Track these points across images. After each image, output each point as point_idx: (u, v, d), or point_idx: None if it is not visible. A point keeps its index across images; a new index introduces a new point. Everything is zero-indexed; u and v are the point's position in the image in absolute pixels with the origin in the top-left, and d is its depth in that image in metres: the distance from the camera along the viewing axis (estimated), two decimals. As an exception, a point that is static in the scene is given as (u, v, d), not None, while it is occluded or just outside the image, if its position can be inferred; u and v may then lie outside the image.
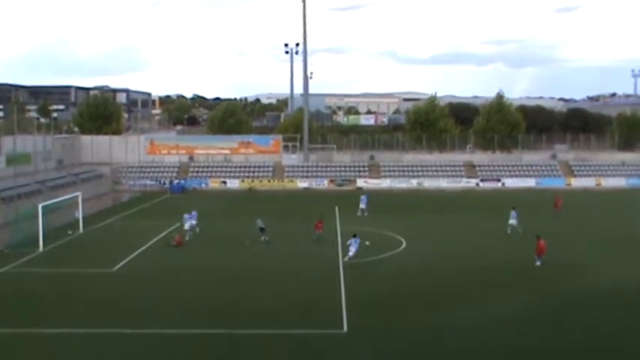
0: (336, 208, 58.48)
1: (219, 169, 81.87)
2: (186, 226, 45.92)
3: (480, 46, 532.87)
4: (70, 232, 46.84)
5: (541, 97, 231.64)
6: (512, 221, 46.37)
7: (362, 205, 55.97)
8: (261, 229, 43.82)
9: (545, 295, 30.49)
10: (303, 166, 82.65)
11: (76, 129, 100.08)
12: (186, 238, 44.16)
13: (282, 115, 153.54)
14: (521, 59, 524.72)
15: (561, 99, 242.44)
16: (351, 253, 37.55)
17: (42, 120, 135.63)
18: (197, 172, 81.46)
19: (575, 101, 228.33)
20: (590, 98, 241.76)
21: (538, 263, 36.79)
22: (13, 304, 29.62)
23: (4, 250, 40.82)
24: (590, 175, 79.84)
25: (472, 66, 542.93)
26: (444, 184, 78.64)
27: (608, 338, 24.84)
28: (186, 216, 46.89)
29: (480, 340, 24.55)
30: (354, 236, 38.49)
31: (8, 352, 23.66)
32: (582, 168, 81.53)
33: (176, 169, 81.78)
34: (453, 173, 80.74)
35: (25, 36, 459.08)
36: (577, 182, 78.71)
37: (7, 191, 52.24)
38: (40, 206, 42.25)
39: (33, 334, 25.49)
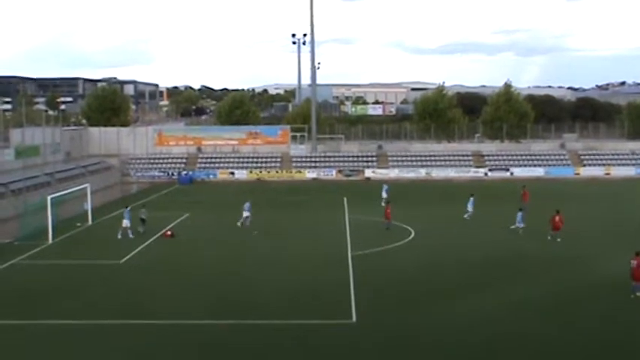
0: (344, 199, 58.45)
1: (227, 159, 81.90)
2: (245, 213, 46.03)
3: (489, 35, 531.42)
4: (79, 224, 46.93)
5: (550, 87, 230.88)
6: (470, 207, 47.77)
7: (384, 195, 55.17)
8: (142, 220, 43.72)
9: (552, 286, 30.37)
10: (311, 157, 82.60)
11: (84, 121, 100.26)
12: (239, 225, 45.20)
13: (290, 105, 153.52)
14: (531, 48, 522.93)
15: (570, 88, 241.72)
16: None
17: (50, 112, 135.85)
18: (205, 163, 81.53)
19: (584, 90, 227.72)
20: (600, 87, 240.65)
21: (558, 239, 38.41)
22: (23, 296, 29.69)
23: (14, 242, 40.97)
24: (599, 165, 79.54)
25: (481, 55, 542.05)
26: (452, 173, 78.47)
27: (613, 330, 24.76)
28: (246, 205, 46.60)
29: (489, 330, 24.50)
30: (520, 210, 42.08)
31: (18, 344, 23.75)
32: (591, 157, 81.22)
33: (184, 161, 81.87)
34: (462, 163, 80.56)
35: (32, 28, 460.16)
36: (586, 171, 78.42)
37: (16, 183, 52.42)
38: (49, 198, 42.37)
39: (42, 325, 25.57)
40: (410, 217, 47.17)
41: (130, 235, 42.00)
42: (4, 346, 23.49)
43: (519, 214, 42.26)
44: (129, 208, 44.02)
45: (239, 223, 45.51)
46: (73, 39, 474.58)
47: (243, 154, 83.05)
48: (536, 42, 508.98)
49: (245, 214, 45.95)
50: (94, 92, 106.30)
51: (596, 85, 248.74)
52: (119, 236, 42.03)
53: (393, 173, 78.52)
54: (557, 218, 39.37)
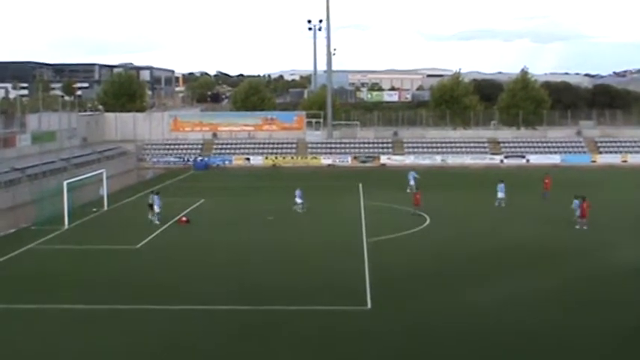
0: (360, 185, 58.36)
1: (242, 145, 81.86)
2: (298, 200, 46.30)
3: (506, 22, 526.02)
4: (94, 209, 47.14)
5: (567, 73, 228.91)
6: (501, 194, 47.10)
7: (411, 182, 54.96)
8: (151, 206, 43.30)
9: (573, 274, 30.22)
10: (326, 143, 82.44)
11: (100, 106, 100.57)
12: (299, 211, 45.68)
13: (306, 91, 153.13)
14: (548, 35, 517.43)
15: (587, 75, 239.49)
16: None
17: (66, 98, 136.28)
18: (221, 149, 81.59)
19: (601, 77, 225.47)
20: (617, 74, 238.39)
21: (584, 227, 38.40)
22: (39, 281, 29.91)
23: (31, 227, 41.24)
24: (616, 152, 78.80)
25: (497, 42, 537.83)
26: (467, 160, 78.17)
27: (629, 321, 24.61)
28: (297, 192, 46.78)
29: (506, 318, 24.41)
30: (575, 197, 40.18)
31: (34, 328, 23.90)
32: (608, 144, 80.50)
33: (200, 146, 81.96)
34: (477, 150, 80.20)
35: (49, 14, 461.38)
36: (603, 159, 77.77)
37: (33, 168, 52.70)
38: (65, 183, 42.60)
39: (58, 310, 25.74)
40: (425, 204, 46.98)
41: (150, 218, 42.25)
42: (21, 330, 23.64)
43: (575, 202, 40.11)
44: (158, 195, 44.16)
45: (299, 210, 45.85)
46: (89, 25, 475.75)
47: (259, 140, 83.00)
48: (553, 28, 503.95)
49: (298, 200, 46.21)
50: (110, 78, 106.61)
51: (614, 72, 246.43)
52: (157, 222, 41.94)
53: (408, 160, 78.18)
54: (584, 205, 39.08)
